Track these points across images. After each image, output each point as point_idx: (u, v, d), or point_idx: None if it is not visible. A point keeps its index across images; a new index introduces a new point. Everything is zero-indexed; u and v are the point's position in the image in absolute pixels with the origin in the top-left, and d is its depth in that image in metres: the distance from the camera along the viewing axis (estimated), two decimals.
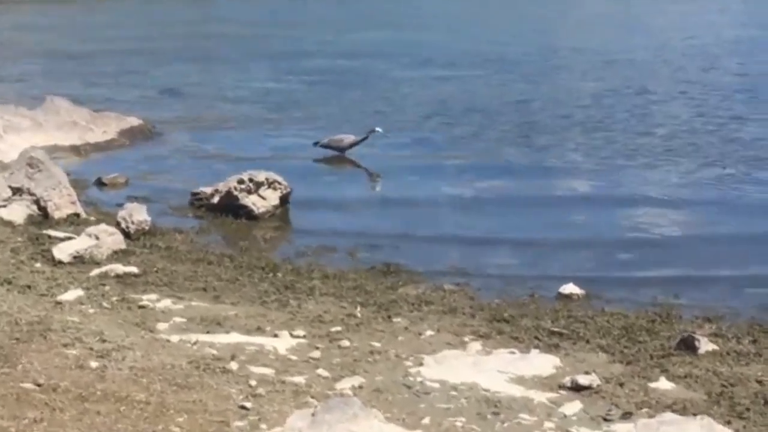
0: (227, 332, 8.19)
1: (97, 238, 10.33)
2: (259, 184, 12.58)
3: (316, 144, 15.90)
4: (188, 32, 34.95)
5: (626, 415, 6.88)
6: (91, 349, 7.43)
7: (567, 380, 7.42)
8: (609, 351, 8.18)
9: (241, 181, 12.56)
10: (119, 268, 9.79)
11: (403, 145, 16.82)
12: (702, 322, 9.04)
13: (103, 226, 10.63)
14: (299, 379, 7.24)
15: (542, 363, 7.81)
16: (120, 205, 12.10)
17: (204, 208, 12.79)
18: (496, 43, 30.29)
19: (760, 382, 7.55)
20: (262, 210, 12.53)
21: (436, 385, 7.29)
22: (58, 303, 8.57)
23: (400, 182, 14.66)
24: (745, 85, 22.56)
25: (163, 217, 12.36)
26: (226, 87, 23.34)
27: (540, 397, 7.18)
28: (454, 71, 25.14)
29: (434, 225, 12.49)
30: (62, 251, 10.11)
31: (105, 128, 17.35)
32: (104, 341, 7.59)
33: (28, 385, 6.60)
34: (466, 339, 8.37)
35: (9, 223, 11.44)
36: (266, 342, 7.99)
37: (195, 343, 7.81)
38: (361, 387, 7.18)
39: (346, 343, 8.10)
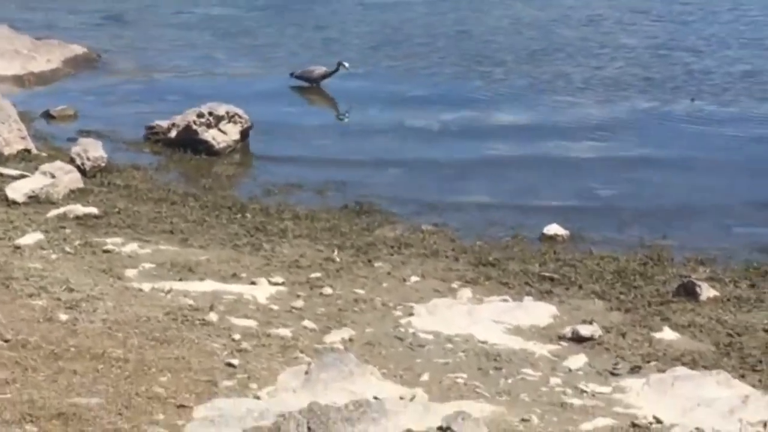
0: (201, 279, 7.81)
1: (53, 176, 9.80)
2: (219, 118, 11.98)
3: (291, 75, 15.30)
4: None
5: (635, 369, 6.58)
6: (59, 299, 7.02)
7: (567, 331, 7.15)
8: (605, 297, 7.93)
9: (200, 115, 11.94)
10: (78, 208, 9.31)
11: (360, 77, 16.21)
12: (695, 264, 8.82)
13: (58, 164, 10.08)
14: (285, 332, 6.87)
15: (538, 312, 7.55)
16: (72, 140, 11.56)
17: (161, 143, 12.14)
18: None
19: (767, 331, 7.27)
20: (222, 145, 11.96)
21: (430, 337, 6.97)
22: (17, 248, 8.13)
23: (364, 115, 14.11)
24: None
25: (118, 152, 11.72)
26: (169, 13, 22.48)
27: (541, 349, 6.90)
28: None
29: (402, 158, 12.05)
30: (16, 191, 9.58)
31: (48, 57, 16.46)
32: (72, 290, 7.19)
33: None
34: (455, 285, 8.07)
35: None
36: (244, 290, 7.61)
37: (169, 292, 7.42)
38: (351, 340, 6.85)
39: (328, 290, 7.76)
